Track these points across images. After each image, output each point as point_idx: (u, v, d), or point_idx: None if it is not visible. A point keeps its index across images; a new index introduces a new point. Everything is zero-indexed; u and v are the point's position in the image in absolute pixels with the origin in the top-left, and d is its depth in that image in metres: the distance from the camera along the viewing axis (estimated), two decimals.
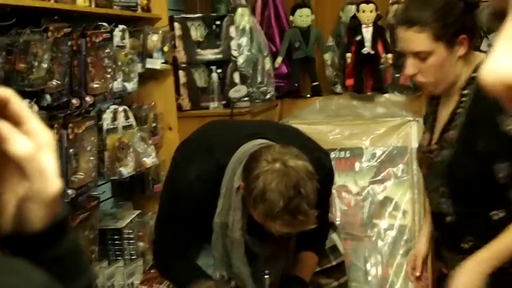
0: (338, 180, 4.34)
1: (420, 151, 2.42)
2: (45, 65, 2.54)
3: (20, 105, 0.64)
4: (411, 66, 2.22)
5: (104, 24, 2.99)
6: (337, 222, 4.27)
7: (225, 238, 2.28)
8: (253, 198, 2.06)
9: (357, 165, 4.42)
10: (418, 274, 2.56)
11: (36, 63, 2.51)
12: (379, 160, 4.40)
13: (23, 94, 2.54)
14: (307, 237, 2.33)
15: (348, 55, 4.50)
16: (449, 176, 2.23)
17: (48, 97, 2.59)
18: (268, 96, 4.31)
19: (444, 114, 2.30)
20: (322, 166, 2.30)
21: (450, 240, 2.35)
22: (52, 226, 0.64)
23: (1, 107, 0.63)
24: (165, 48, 3.56)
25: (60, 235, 0.66)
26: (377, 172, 4.38)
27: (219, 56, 3.99)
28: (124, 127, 3.07)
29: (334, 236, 3.95)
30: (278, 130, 2.63)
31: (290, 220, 2.04)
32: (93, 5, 2.97)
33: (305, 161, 2.08)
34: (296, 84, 4.64)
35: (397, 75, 4.54)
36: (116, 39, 3.08)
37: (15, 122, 0.63)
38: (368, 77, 4.55)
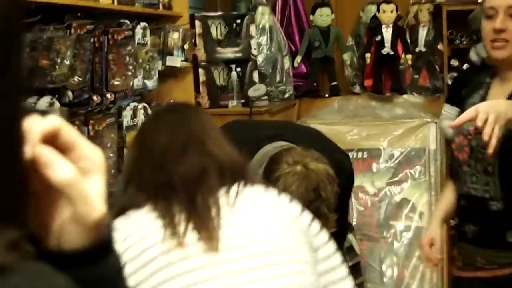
0: (355, 180, 4.31)
1: (459, 134, 2.36)
2: (67, 62, 2.56)
3: (70, 132, 0.65)
4: (501, 21, 2.29)
5: (126, 21, 3.00)
6: (354, 223, 4.27)
7: None
8: None
9: (374, 166, 4.41)
10: (440, 256, 2.51)
11: (58, 60, 2.53)
12: (396, 161, 4.39)
13: (45, 91, 2.56)
14: None
15: (368, 55, 4.50)
16: (501, 156, 2.21)
17: (69, 93, 2.60)
18: (286, 95, 4.31)
19: (499, 93, 2.31)
20: (342, 169, 2.29)
21: (492, 233, 2.29)
22: (93, 248, 0.65)
23: (52, 137, 0.63)
24: (186, 46, 3.57)
25: (100, 257, 0.66)
26: (395, 173, 4.38)
27: (239, 54, 3.99)
28: None
29: (350, 237, 3.94)
30: (298, 131, 2.62)
31: None
32: (115, 3, 2.98)
33: (325, 164, 2.08)
34: (315, 84, 4.63)
35: (416, 76, 4.53)
36: (138, 37, 3.10)
37: (66, 148, 0.64)
38: (387, 77, 4.54)
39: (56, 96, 2.54)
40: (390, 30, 4.42)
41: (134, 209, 1.54)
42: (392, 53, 4.40)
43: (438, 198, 4.23)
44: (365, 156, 4.43)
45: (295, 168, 2.04)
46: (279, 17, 4.59)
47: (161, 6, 3.47)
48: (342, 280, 1.63)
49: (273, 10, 4.51)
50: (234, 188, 1.55)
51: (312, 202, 1.97)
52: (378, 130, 4.45)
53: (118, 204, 1.57)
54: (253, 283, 1.45)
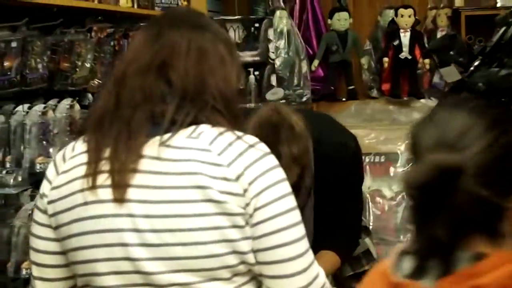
0: (373, 184, 4.33)
1: None
2: (88, 65, 2.59)
3: None
4: None
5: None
6: (371, 227, 4.26)
7: None
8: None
9: (391, 170, 4.40)
10: None
11: (79, 63, 2.56)
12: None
13: (66, 93, 2.59)
14: (331, 232, 2.29)
15: (385, 59, 4.50)
16: None
17: (89, 96, 2.63)
18: (304, 99, 4.32)
19: None
20: (346, 147, 2.25)
21: None
22: None
23: None
24: None
25: None
26: None
27: (257, 58, 4.01)
28: None
29: (367, 241, 3.93)
30: (310, 113, 2.61)
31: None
32: (135, 6, 3.01)
33: (301, 121, 2.06)
34: (332, 88, 4.64)
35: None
36: None
37: None
38: (404, 82, 4.54)
39: (77, 98, 2.57)
40: (408, 34, 4.42)
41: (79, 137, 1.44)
42: (410, 57, 4.40)
43: None
44: (382, 160, 4.42)
45: (266, 110, 2.05)
46: (297, 21, 4.60)
47: None
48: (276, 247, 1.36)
49: (291, 14, 4.53)
50: (168, 135, 1.35)
51: (269, 143, 1.93)
52: (396, 134, 4.44)
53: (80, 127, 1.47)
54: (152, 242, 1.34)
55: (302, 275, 1.37)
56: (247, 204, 1.34)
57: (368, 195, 4.33)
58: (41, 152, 2.40)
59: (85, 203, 1.37)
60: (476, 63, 2.60)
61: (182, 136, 1.35)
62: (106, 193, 1.35)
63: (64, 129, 2.46)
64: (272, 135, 1.95)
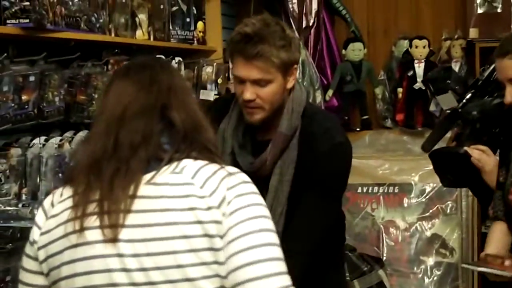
0: (386, 215, 4.34)
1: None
2: None
3: None
4: (510, 93, 2.23)
5: (162, 56, 3.05)
6: (384, 258, 4.25)
7: None
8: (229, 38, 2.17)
9: (405, 201, 4.40)
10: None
11: (95, 95, 2.58)
12: (428, 196, 4.37)
13: (82, 125, 2.61)
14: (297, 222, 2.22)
15: (400, 90, 4.51)
16: None
17: None
18: None
19: None
20: (330, 137, 2.22)
21: None
22: None
23: None
24: (219, 80, 3.61)
25: None
26: (426, 209, 4.36)
27: None
28: None
29: (381, 272, 3.94)
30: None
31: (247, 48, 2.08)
32: (151, 38, 3.04)
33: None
34: (346, 118, 4.65)
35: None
36: None
37: None
38: (418, 112, 4.54)
39: None
40: (422, 65, 4.43)
41: (68, 183, 1.46)
42: (424, 88, 4.41)
43: (470, 234, 4.21)
44: (396, 190, 4.42)
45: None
46: (311, 51, 4.63)
47: (195, 41, 3.52)
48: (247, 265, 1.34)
49: (306, 44, 4.55)
50: (163, 170, 1.40)
51: (255, 25, 2.08)
52: (410, 165, 4.44)
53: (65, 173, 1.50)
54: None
55: None
56: (223, 224, 1.36)
57: (382, 226, 4.33)
58: (57, 185, 2.40)
59: (75, 246, 1.39)
60: (468, 96, 2.63)
61: (166, 173, 1.39)
62: (95, 234, 1.38)
63: None
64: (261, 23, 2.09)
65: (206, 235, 1.35)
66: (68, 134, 2.55)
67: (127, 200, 1.38)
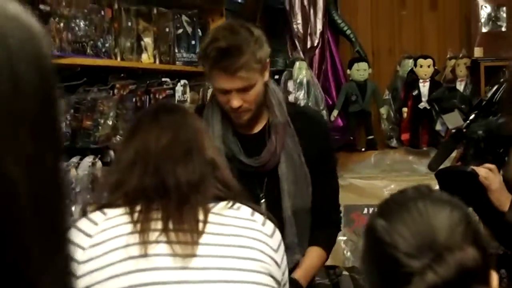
0: None
1: None
2: (110, 122, 2.61)
3: None
4: None
5: (167, 80, 3.05)
6: None
7: None
8: (202, 49, 2.22)
9: None
10: None
11: (102, 121, 2.58)
12: None
13: (88, 150, 2.61)
14: (319, 210, 2.33)
15: (405, 109, 4.50)
16: None
17: (111, 153, 2.64)
18: None
19: None
20: (321, 116, 2.49)
21: None
22: None
23: None
24: None
25: None
26: None
27: None
28: None
29: None
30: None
31: (223, 55, 2.09)
32: (157, 62, 3.04)
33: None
34: (351, 137, 4.64)
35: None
36: (178, 94, 3.15)
37: None
38: (424, 132, 4.53)
39: (99, 156, 2.58)
40: (427, 84, 4.43)
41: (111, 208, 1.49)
42: (429, 107, 4.40)
43: None
44: None
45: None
46: (316, 72, 4.62)
47: (200, 63, 3.52)
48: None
49: (310, 65, 4.55)
50: (221, 205, 1.51)
51: (224, 35, 2.12)
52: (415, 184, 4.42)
53: (98, 203, 1.52)
54: None
55: None
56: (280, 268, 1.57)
57: None
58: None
59: (140, 270, 1.41)
60: (471, 116, 2.63)
61: (226, 208, 1.52)
62: (165, 261, 1.42)
63: (86, 187, 2.47)
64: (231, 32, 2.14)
65: (270, 275, 1.51)
66: (74, 159, 2.54)
67: (194, 228, 1.45)
